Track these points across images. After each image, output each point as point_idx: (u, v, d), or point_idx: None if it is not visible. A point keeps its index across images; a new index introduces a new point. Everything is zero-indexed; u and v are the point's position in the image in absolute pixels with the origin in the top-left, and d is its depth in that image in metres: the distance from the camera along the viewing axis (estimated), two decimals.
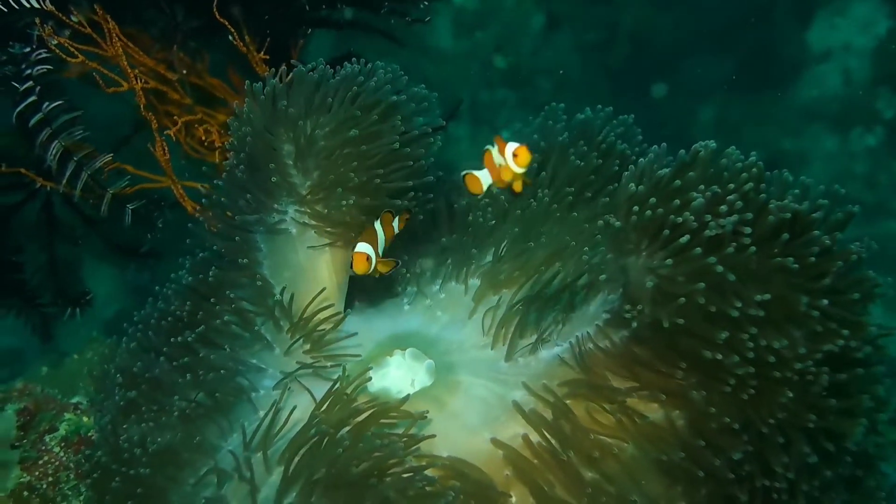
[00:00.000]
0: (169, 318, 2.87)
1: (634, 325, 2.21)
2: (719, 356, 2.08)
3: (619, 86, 8.79)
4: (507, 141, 2.31)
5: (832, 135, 8.88)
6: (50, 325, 3.73)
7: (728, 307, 2.04)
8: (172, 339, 2.77)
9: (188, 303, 2.84)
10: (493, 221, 3.01)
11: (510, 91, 9.07)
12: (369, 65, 2.78)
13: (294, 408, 2.51)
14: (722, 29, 8.61)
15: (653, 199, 2.16)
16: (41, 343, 3.80)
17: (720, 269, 2.03)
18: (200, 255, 2.97)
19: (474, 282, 2.94)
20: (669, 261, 2.10)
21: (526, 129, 3.23)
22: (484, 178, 2.37)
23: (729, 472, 2.14)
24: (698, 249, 2.07)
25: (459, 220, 3.08)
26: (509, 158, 2.29)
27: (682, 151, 2.27)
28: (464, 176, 2.40)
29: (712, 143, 2.24)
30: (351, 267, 2.48)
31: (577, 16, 9.09)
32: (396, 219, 2.62)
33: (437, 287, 2.98)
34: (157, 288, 3.00)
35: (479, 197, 2.46)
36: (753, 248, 2.05)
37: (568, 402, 2.38)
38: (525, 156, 2.28)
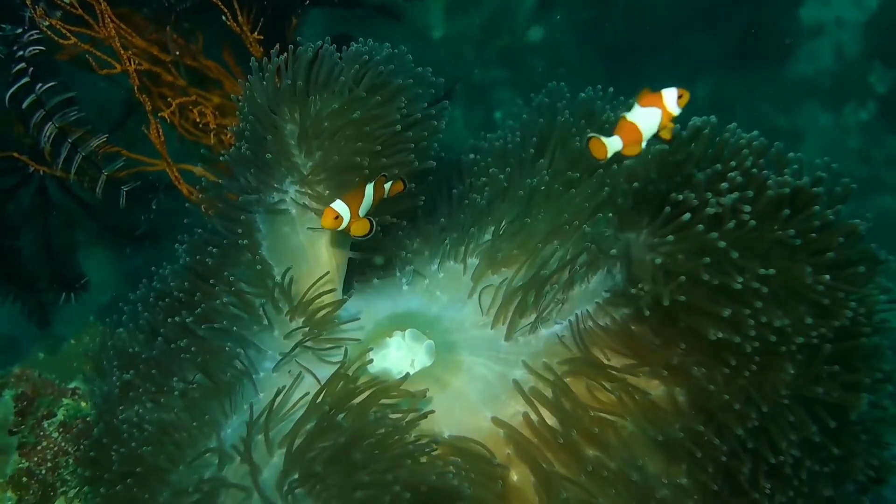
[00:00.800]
0: (167, 299, 2.86)
1: (636, 302, 2.20)
2: (721, 334, 2.08)
3: (613, 63, 8.81)
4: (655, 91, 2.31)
5: (826, 110, 8.93)
6: (47, 312, 3.71)
7: (731, 282, 2.04)
8: (170, 320, 2.76)
9: (186, 283, 2.83)
10: (491, 200, 3.00)
11: (503, 70, 9.08)
12: (375, 45, 2.77)
13: (295, 390, 2.52)
14: (716, 5, 8.61)
15: (653, 175, 2.15)
16: (38, 330, 3.78)
17: (722, 244, 2.03)
18: (198, 234, 2.95)
19: (473, 261, 2.92)
20: (671, 238, 2.10)
21: (527, 107, 3.22)
22: (611, 144, 2.31)
23: (731, 449, 2.15)
24: (700, 226, 2.06)
25: (458, 200, 3.07)
26: (672, 103, 2.27)
27: (678, 126, 2.27)
28: (588, 139, 2.33)
29: (713, 118, 2.24)
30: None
31: None
32: (389, 184, 2.61)
33: (436, 267, 2.97)
34: (152, 268, 2.99)
35: (601, 161, 2.38)
36: (754, 223, 2.04)
37: (568, 380, 2.38)
38: (686, 95, 2.28)
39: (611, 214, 2.31)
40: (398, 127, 2.66)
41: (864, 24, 8.86)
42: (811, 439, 2.10)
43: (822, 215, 2.09)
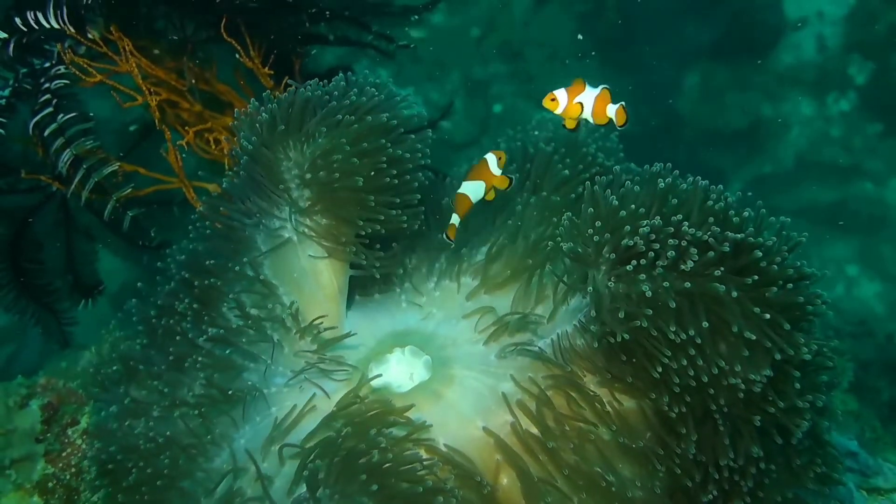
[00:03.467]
0: (172, 317, 2.96)
1: (595, 328, 2.43)
2: (658, 372, 2.32)
3: (607, 54, 8.89)
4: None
5: (809, 100, 9.02)
6: (66, 333, 3.86)
7: (667, 330, 2.28)
8: (178, 337, 2.89)
9: (195, 304, 2.93)
10: (483, 221, 3.18)
11: (502, 64, 9.11)
12: (360, 81, 2.91)
13: (304, 404, 2.69)
14: None
15: (599, 224, 2.40)
16: (59, 349, 3.95)
17: (650, 294, 2.27)
18: (195, 250, 3.06)
19: (466, 279, 3.11)
20: (612, 283, 2.34)
21: (518, 135, 3.42)
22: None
23: (687, 460, 2.38)
24: (642, 276, 2.30)
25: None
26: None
27: (632, 184, 2.49)
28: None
29: (666, 180, 2.47)
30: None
31: None
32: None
33: (432, 285, 3.15)
34: (139, 285, 3.10)
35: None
36: (689, 284, 2.27)
37: (550, 393, 2.56)
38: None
39: (573, 251, 2.50)
40: (384, 159, 2.79)
41: (844, 18, 8.95)
42: (753, 456, 2.34)
43: (761, 268, 2.29)
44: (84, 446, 3.30)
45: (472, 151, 3.19)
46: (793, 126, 9.03)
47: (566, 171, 3.16)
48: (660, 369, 2.32)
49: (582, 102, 2.47)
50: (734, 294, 2.26)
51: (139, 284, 3.11)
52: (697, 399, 2.34)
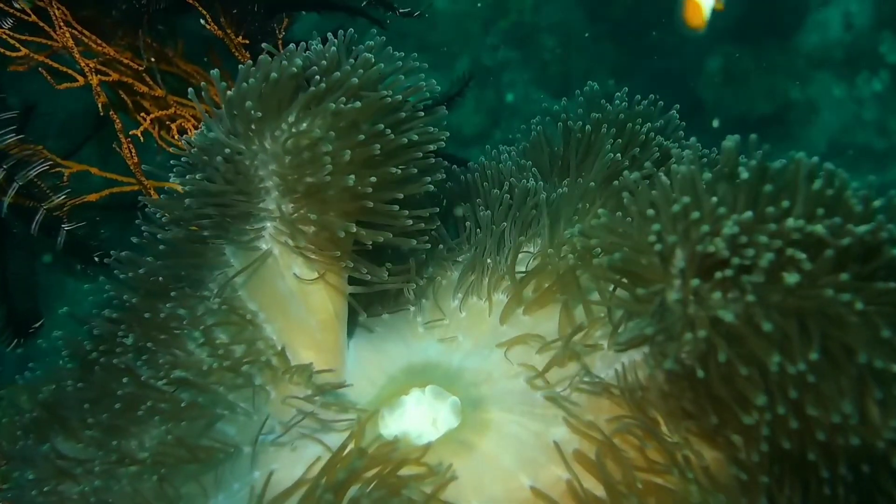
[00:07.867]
0: (115, 352, 2.39)
1: (669, 362, 1.88)
2: (751, 420, 1.79)
3: (623, 39, 8.71)
4: None
5: (839, 81, 8.84)
6: None
7: (766, 362, 1.71)
8: (126, 379, 2.32)
9: (148, 335, 2.37)
10: (518, 222, 2.65)
11: (512, 50, 8.88)
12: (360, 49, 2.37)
13: (297, 465, 2.18)
14: None
15: (656, 226, 1.87)
16: None
17: (732, 319, 1.73)
18: (151, 265, 2.46)
19: (500, 297, 2.56)
20: (691, 304, 1.80)
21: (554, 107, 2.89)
22: None
23: None
24: (727, 294, 1.75)
25: (474, 222, 2.72)
26: None
27: (709, 175, 1.92)
28: None
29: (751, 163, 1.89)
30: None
31: None
32: None
33: (457, 303, 2.60)
34: (62, 310, 2.59)
35: None
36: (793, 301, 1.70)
37: (617, 440, 2.08)
38: None
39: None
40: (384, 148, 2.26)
41: None
42: None
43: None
44: None
45: (483, 145, 2.77)
46: (823, 109, 8.83)
47: (617, 156, 2.62)
48: (752, 418, 1.78)
49: None
50: (860, 308, 1.67)
51: (63, 310, 2.57)
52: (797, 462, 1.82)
